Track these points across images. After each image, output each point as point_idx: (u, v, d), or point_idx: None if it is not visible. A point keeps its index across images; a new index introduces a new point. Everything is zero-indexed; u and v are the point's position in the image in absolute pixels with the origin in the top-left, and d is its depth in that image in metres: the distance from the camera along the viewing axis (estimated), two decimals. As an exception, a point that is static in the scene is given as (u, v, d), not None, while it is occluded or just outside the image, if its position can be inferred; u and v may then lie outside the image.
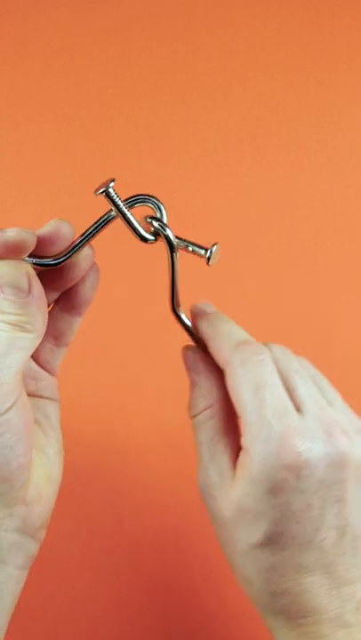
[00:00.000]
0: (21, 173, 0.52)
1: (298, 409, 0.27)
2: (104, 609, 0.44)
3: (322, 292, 0.51)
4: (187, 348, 0.31)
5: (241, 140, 0.53)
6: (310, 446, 0.25)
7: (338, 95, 0.54)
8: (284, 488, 0.25)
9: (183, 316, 0.30)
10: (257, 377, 0.27)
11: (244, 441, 0.26)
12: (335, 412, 0.28)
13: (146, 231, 0.28)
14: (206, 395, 0.30)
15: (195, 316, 0.31)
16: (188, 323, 0.31)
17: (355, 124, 0.54)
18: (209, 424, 0.29)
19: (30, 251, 0.26)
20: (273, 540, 0.26)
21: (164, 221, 0.28)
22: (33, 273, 0.26)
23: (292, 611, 0.26)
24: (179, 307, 0.30)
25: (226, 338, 0.29)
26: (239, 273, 0.51)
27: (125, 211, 0.27)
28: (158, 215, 0.28)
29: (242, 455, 0.26)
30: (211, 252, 0.29)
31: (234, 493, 0.26)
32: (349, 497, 0.26)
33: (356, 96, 0.54)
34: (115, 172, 0.52)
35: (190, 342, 0.31)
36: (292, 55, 0.54)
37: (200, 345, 0.31)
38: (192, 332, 0.31)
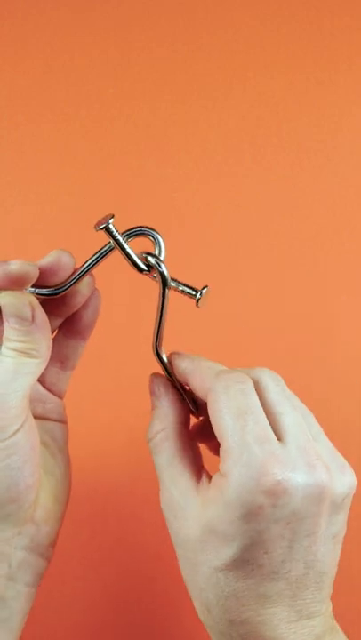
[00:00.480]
0: (21, 173, 0.52)
1: (280, 438, 0.26)
2: (104, 608, 0.44)
3: (322, 292, 0.51)
4: (154, 374, 0.32)
5: (241, 140, 0.53)
6: (290, 475, 0.25)
7: (338, 95, 0.54)
8: (258, 515, 0.25)
9: (163, 356, 0.31)
10: (239, 403, 0.26)
11: (223, 466, 0.26)
12: (319, 445, 0.27)
13: (143, 262, 0.29)
14: (162, 418, 0.30)
15: (174, 357, 0.31)
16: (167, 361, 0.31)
17: (355, 123, 0.54)
18: (165, 446, 0.29)
19: (32, 282, 0.28)
20: (238, 567, 0.25)
21: (162, 255, 0.29)
22: (36, 302, 0.28)
23: None
24: (160, 346, 0.31)
25: (207, 369, 0.29)
26: (239, 273, 0.51)
27: (125, 245, 0.28)
28: (156, 248, 0.29)
29: (218, 478, 0.26)
30: (201, 293, 0.30)
31: (204, 514, 0.26)
32: (320, 532, 0.26)
33: (356, 96, 0.54)
34: (115, 172, 0.52)
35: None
36: (292, 55, 0.54)
37: (173, 381, 0.31)
38: (169, 372, 0.31)
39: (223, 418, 0.26)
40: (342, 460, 0.28)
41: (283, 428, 0.27)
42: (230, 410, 0.26)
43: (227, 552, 0.25)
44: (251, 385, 0.28)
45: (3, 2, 0.54)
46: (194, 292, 0.30)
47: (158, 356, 0.31)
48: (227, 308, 0.50)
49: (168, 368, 0.31)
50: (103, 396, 0.47)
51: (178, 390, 0.31)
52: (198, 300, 0.30)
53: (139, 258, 0.29)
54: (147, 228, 0.29)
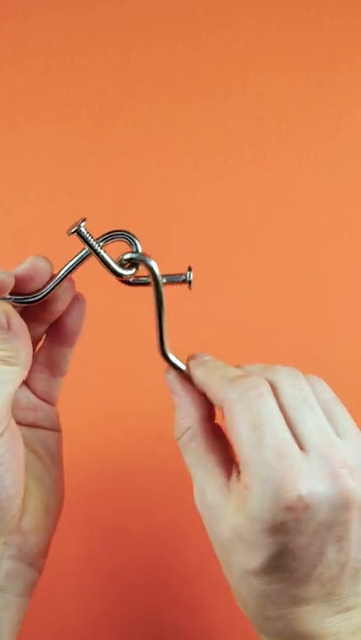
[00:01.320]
0: (21, 173, 0.52)
1: (301, 446, 0.25)
2: (103, 608, 0.44)
3: (322, 292, 0.51)
4: (167, 371, 0.31)
5: (241, 140, 0.53)
6: (312, 488, 0.24)
7: (338, 95, 0.54)
8: (282, 529, 0.24)
9: (173, 358, 0.30)
10: (255, 414, 0.25)
11: (244, 476, 0.25)
12: (344, 447, 0.26)
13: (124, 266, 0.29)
14: (185, 416, 0.29)
15: (191, 365, 0.30)
16: (180, 364, 0.31)
17: (355, 123, 0.54)
18: (192, 445, 0.29)
19: (9, 290, 0.27)
20: (268, 572, 0.25)
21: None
22: (11, 310, 0.27)
23: (285, 635, 0.26)
24: (166, 347, 0.30)
25: (221, 377, 0.28)
26: (239, 273, 0.51)
27: (98, 248, 0.28)
28: (134, 249, 0.29)
29: (241, 489, 0.25)
30: (190, 276, 0.29)
31: (232, 520, 0.26)
32: (352, 535, 0.25)
33: (356, 96, 0.54)
34: (115, 172, 0.52)
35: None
36: (292, 55, 0.54)
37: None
38: (183, 373, 0.30)
39: (239, 431, 0.25)
40: None
41: (303, 437, 0.25)
42: (246, 421, 0.25)
43: (255, 559, 0.25)
44: (267, 389, 0.26)
45: (3, 2, 0.54)
46: (183, 277, 0.29)
47: (167, 358, 0.30)
48: (227, 307, 0.50)
49: (182, 368, 0.30)
50: (101, 396, 0.47)
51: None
52: (190, 282, 0.29)
53: (117, 263, 0.28)
54: (122, 231, 0.29)
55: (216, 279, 0.50)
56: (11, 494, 0.27)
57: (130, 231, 0.29)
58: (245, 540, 0.25)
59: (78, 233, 0.27)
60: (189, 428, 0.29)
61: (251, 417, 0.25)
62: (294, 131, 0.53)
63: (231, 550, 0.26)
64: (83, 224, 0.27)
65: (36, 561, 0.29)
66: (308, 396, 0.27)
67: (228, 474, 0.27)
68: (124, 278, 0.29)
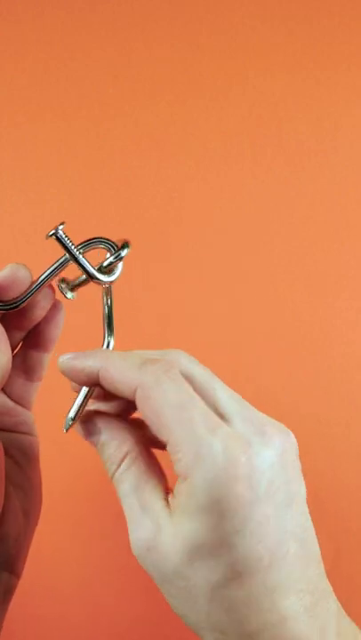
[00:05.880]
0: (21, 173, 0.52)
1: (223, 417, 0.25)
2: (103, 607, 0.44)
3: (322, 291, 0.51)
4: (72, 421, 0.28)
5: (241, 140, 0.53)
6: (252, 451, 0.23)
7: (338, 95, 0.54)
8: (238, 505, 0.23)
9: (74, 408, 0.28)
10: (177, 395, 0.24)
11: (180, 466, 0.23)
12: (252, 409, 0.26)
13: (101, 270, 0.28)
14: (120, 445, 0.27)
15: (67, 363, 0.27)
16: (81, 390, 0.28)
17: (355, 124, 0.54)
18: (130, 472, 0.26)
19: None
20: (238, 570, 0.23)
21: (118, 266, 0.28)
22: None
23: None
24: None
25: (125, 362, 0.26)
26: (239, 273, 0.51)
27: (75, 252, 0.28)
28: (112, 254, 0.28)
29: (180, 486, 0.24)
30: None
31: (181, 532, 0.23)
32: (297, 498, 0.25)
33: (356, 96, 0.54)
34: (115, 172, 0.52)
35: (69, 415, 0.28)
36: (292, 55, 0.54)
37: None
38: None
39: (165, 415, 0.24)
40: (269, 418, 0.26)
41: (221, 407, 0.25)
42: (170, 404, 0.24)
43: (221, 561, 0.23)
44: (177, 370, 0.25)
45: (3, 2, 0.54)
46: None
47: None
48: (227, 307, 0.50)
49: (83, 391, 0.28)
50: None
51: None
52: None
53: (95, 269, 0.28)
54: (103, 238, 0.28)
55: (216, 279, 0.50)
56: None
57: (111, 239, 0.28)
58: (203, 544, 0.23)
59: (56, 236, 0.27)
60: (128, 453, 0.26)
61: (173, 398, 0.24)
62: (294, 131, 0.53)
63: (190, 572, 0.23)
64: (61, 227, 0.27)
65: (16, 567, 0.28)
66: (206, 372, 0.27)
67: (167, 500, 0.25)
68: (104, 284, 0.28)
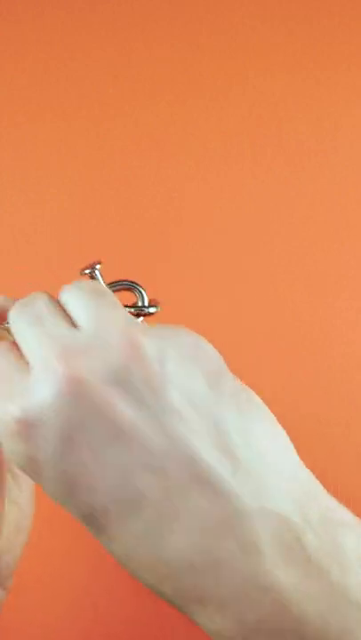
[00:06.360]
0: (21, 173, 0.52)
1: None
2: (103, 607, 0.44)
3: (322, 291, 0.51)
4: None
5: (241, 140, 0.53)
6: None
7: (338, 95, 0.54)
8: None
9: None
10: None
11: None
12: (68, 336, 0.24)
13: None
14: None
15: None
16: None
17: (355, 123, 0.54)
18: None
19: None
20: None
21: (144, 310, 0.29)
22: None
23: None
24: None
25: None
26: (239, 273, 0.51)
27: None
28: (140, 301, 0.29)
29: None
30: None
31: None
32: (137, 433, 0.23)
33: (356, 96, 0.54)
34: (115, 172, 0.52)
35: None
36: (292, 55, 0.54)
37: None
38: None
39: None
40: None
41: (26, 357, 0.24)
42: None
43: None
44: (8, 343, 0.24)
45: (3, 2, 0.54)
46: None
47: None
48: (226, 307, 0.50)
49: None
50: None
51: None
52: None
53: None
54: (132, 282, 0.29)
55: (215, 279, 0.50)
56: None
57: (138, 282, 0.29)
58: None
59: (91, 276, 0.27)
60: None
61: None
62: (294, 131, 0.53)
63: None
64: (98, 266, 0.27)
65: (5, 581, 0.29)
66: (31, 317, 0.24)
67: None
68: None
